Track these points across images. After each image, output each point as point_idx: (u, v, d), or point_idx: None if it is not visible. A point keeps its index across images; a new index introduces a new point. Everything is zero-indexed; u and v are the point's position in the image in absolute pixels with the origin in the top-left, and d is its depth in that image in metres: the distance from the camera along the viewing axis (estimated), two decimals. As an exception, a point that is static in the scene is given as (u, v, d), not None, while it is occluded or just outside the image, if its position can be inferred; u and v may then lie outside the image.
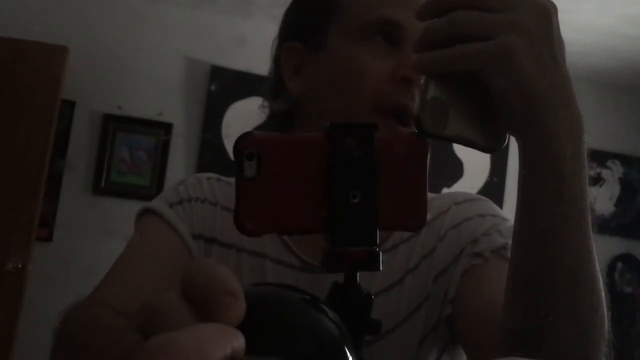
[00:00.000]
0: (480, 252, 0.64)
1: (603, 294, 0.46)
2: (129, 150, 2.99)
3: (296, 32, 0.71)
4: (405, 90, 0.61)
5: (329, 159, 0.36)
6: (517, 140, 0.44)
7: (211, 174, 0.78)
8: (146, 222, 0.72)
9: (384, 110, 0.61)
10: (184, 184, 0.76)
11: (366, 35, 0.63)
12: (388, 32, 0.62)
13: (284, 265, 0.70)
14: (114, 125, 2.98)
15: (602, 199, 3.45)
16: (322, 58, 0.67)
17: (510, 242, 0.63)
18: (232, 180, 0.76)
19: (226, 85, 3.06)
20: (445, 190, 3.25)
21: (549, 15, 0.42)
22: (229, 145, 3.02)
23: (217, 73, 3.07)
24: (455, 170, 3.26)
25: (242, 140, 0.36)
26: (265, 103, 0.76)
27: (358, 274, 0.37)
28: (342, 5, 0.66)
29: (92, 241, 2.90)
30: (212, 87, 3.08)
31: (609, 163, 3.47)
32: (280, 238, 0.70)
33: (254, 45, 3.05)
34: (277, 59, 0.72)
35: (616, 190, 3.50)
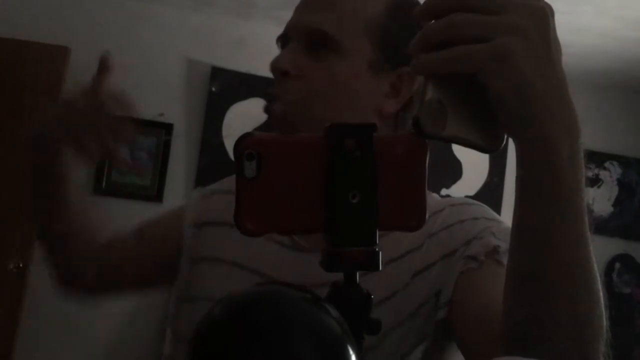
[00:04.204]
0: (474, 255, 0.64)
1: (601, 293, 0.46)
2: (130, 151, 3.00)
3: None
4: (275, 80, 0.71)
5: (328, 159, 0.37)
6: (514, 141, 0.44)
7: (205, 190, 0.86)
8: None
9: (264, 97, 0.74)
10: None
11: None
12: (279, 46, 0.75)
13: (274, 241, 0.72)
14: (115, 126, 2.98)
15: (600, 200, 3.45)
16: None
17: (503, 244, 0.63)
18: (224, 185, 0.81)
19: (226, 86, 3.06)
20: (444, 191, 3.26)
21: (545, 18, 0.42)
22: (229, 146, 3.03)
23: (218, 74, 3.08)
24: (454, 170, 3.26)
25: (243, 141, 0.36)
26: None
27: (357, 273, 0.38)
28: None
29: (92, 241, 2.90)
30: (213, 88, 3.08)
31: (607, 164, 3.47)
32: None
33: (254, 47, 3.06)
34: None
35: (614, 191, 3.50)
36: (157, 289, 0.89)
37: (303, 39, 0.70)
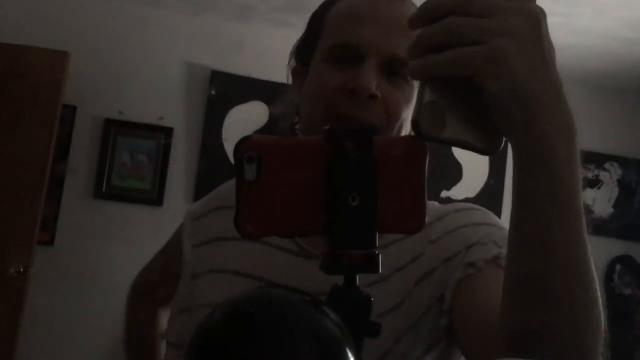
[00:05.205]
0: (474, 262, 0.64)
1: (599, 293, 0.46)
2: (130, 155, 3.00)
3: (300, 55, 0.80)
4: (353, 100, 0.68)
5: (328, 162, 0.37)
6: (511, 142, 0.45)
7: (197, 209, 0.88)
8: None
9: (329, 118, 0.69)
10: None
11: (327, 56, 0.73)
12: (340, 54, 0.72)
13: (277, 248, 0.72)
14: (115, 130, 2.99)
15: (600, 201, 3.46)
16: (308, 75, 0.76)
17: (505, 251, 0.63)
18: (216, 201, 0.82)
19: (226, 90, 3.07)
20: (444, 193, 3.26)
21: (538, 20, 0.43)
22: (229, 149, 3.03)
23: (217, 78, 3.08)
24: (455, 173, 3.27)
25: (243, 144, 0.36)
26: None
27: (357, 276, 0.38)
28: (324, 30, 0.75)
29: (93, 245, 2.90)
30: (212, 92, 3.09)
31: (607, 165, 3.47)
32: None
33: (253, 50, 3.07)
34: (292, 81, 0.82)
35: (615, 192, 3.50)
36: None
37: (383, 62, 0.70)
